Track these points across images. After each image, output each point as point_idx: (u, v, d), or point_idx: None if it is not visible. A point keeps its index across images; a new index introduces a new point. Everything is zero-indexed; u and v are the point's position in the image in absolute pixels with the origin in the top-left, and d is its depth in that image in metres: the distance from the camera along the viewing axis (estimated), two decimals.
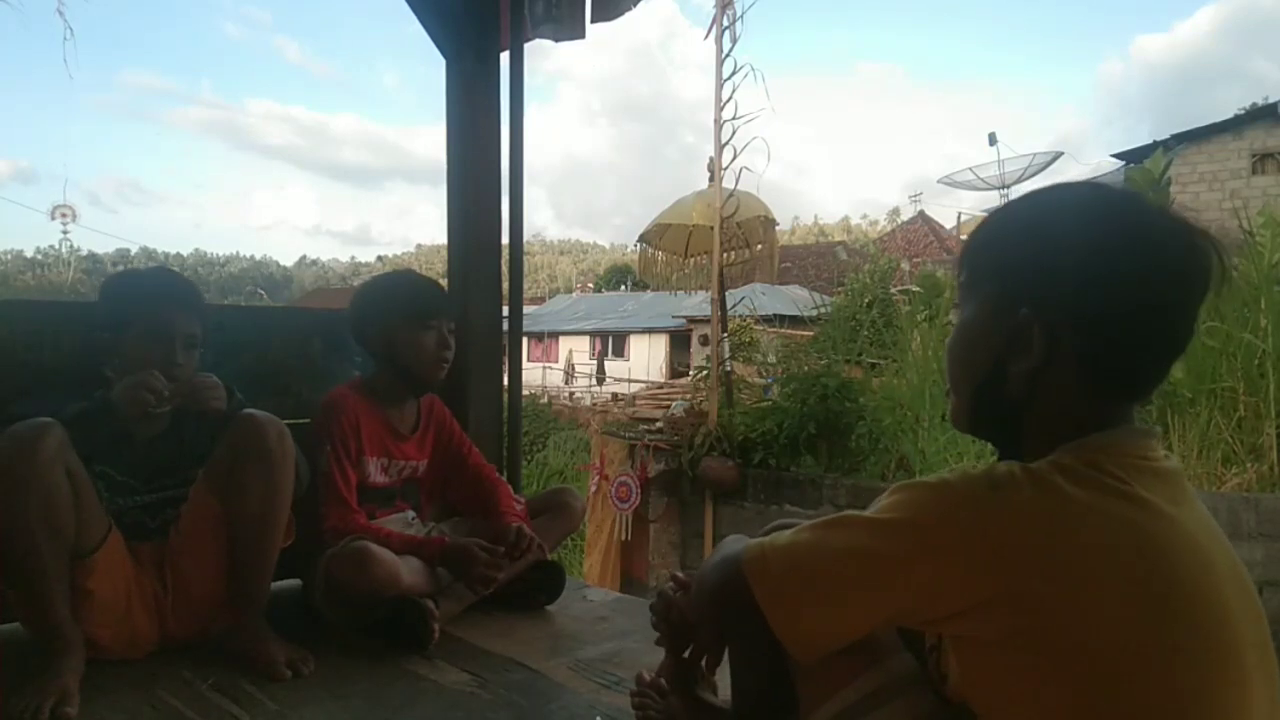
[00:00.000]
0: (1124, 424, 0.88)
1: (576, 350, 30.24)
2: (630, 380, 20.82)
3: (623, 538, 6.02)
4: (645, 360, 27.47)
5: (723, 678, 1.25)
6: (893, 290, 10.36)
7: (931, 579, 0.82)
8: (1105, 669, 0.77)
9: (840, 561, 0.88)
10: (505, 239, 2.76)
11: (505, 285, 2.80)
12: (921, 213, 27.72)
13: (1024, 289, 0.88)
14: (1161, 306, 0.85)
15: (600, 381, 24.80)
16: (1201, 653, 0.78)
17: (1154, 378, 0.90)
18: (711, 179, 6.06)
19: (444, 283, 2.49)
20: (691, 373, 8.06)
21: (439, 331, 2.11)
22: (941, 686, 0.95)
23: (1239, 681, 0.79)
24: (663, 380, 17.82)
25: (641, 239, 6.87)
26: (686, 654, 1.17)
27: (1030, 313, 0.87)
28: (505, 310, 2.82)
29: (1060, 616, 0.78)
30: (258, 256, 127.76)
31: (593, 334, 31.22)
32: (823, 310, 10.10)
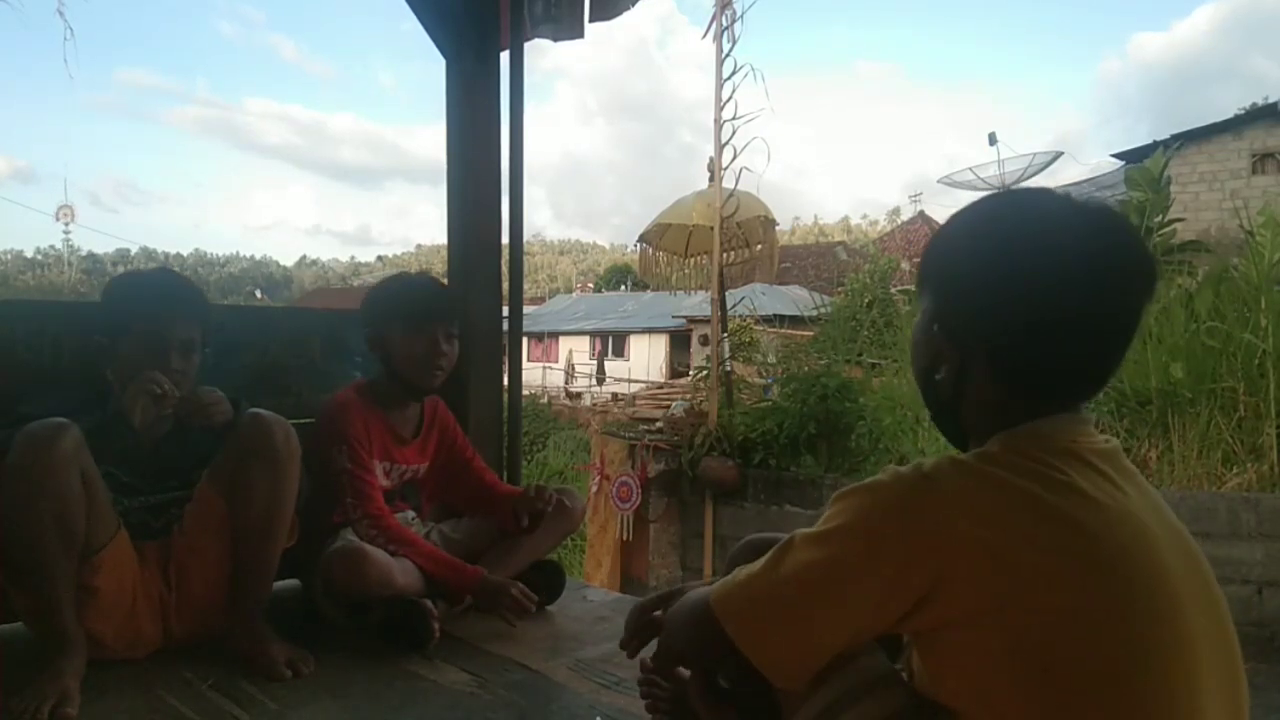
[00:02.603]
0: (1054, 414, 0.92)
1: (576, 350, 30.22)
2: (630, 380, 20.81)
3: (624, 538, 6.01)
4: (645, 360, 27.45)
5: None
6: (892, 290, 10.38)
7: (880, 576, 0.86)
8: (1041, 638, 0.81)
9: (794, 585, 0.91)
10: (505, 239, 2.76)
11: (505, 285, 2.80)
12: (921, 213, 27.72)
13: (939, 304, 0.97)
14: (1069, 317, 0.88)
15: (600, 381, 24.78)
16: (1133, 614, 0.82)
17: (1079, 379, 0.93)
18: (711, 179, 6.05)
19: (444, 282, 2.47)
20: (691, 373, 8.07)
21: (433, 337, 2.06)
22: (912, 682, 0.97)
23: (1178, 641, 0.82)
24: (663, 380, 17.81)
25: (641, 239, 6.86)
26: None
27: (941, 326, 0.96)
28: (505, 310, 2.82)
29: (997, 593, 0.82)
30: (257, 256, 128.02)
31: (593, 334, 31.19)
32: (823, 310, 10.10)
